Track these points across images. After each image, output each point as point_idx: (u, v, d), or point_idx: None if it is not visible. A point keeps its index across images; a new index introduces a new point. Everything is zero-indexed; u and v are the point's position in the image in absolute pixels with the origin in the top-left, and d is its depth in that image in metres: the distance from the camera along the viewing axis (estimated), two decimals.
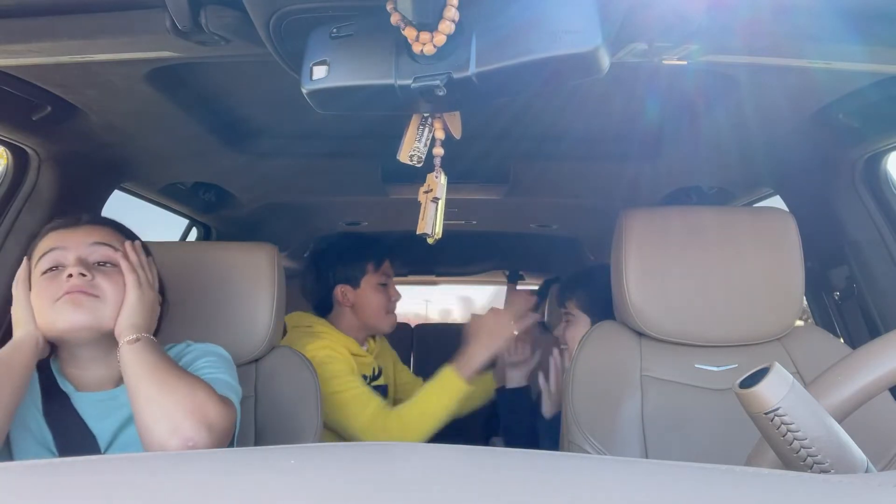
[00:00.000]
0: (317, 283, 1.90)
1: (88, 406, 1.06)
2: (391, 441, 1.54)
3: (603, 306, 1.50)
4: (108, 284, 1.03)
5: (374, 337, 1.96)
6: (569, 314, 1.80)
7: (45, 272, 1.04)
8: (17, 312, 1.04)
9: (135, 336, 1.01)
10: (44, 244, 1.07)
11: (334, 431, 1.67)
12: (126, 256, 1.06)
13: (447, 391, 1.67)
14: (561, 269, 3.18)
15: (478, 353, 1.72)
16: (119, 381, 1.06)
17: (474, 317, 1.79)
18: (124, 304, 1.03)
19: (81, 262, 1.02)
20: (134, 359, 0.98)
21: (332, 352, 1.70)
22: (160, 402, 0.93)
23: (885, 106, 1.23)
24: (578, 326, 1.72)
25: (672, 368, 1.32)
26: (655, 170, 1.82)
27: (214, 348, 1.17)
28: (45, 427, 1.03)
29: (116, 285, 1.03)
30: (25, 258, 1.09)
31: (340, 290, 1.85)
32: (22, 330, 1.02)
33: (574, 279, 1.88)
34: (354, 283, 1.86)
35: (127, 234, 1.14)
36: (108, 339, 1.05)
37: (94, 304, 1.01)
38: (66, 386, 1.07)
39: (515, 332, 1.77)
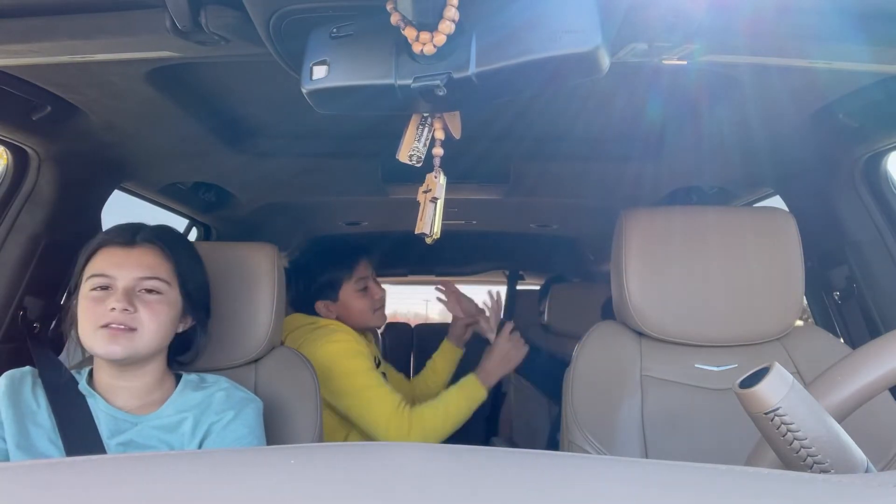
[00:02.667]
0: (299, 298, 1.88)
1: (105, 417, 1.08)
2: (411, 438, 1.61)
3: None
4: (148, 314, 1.06)
5: (363, 333, 1.96)
6: None
7: (94, 289, 1.07)
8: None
9: None
10: (97, 263, 1.09)
11: (343, 417, 1.69)
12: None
13: (470, 396, 1.74)
14: (561, 270, 3.18)
15: (499, 369, 1.82)
16: (142, 408, 1.10)
17: (498, 340, 1.86)
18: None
19: (127, 294, 1.05)
20: None
21: (355, 344, 1.71)
22: None
23: (885, 105, 1.23)
24: None
25: (672, 368, 1.32)
26: (656, 170, 1.82)
27: (249, 414, 1.14)
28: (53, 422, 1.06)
29: (155, 314, 1.06)
30: (81, 257, 1.12)
31: (322, 305, 1.84)
32: None
33: None
34: (332, 297, 1.83)
35: (175, 247, 1.15)
36: (140, 365, 1.09)
37: (130, 337, 1.04)
38: (86, 390, 1.10)
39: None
